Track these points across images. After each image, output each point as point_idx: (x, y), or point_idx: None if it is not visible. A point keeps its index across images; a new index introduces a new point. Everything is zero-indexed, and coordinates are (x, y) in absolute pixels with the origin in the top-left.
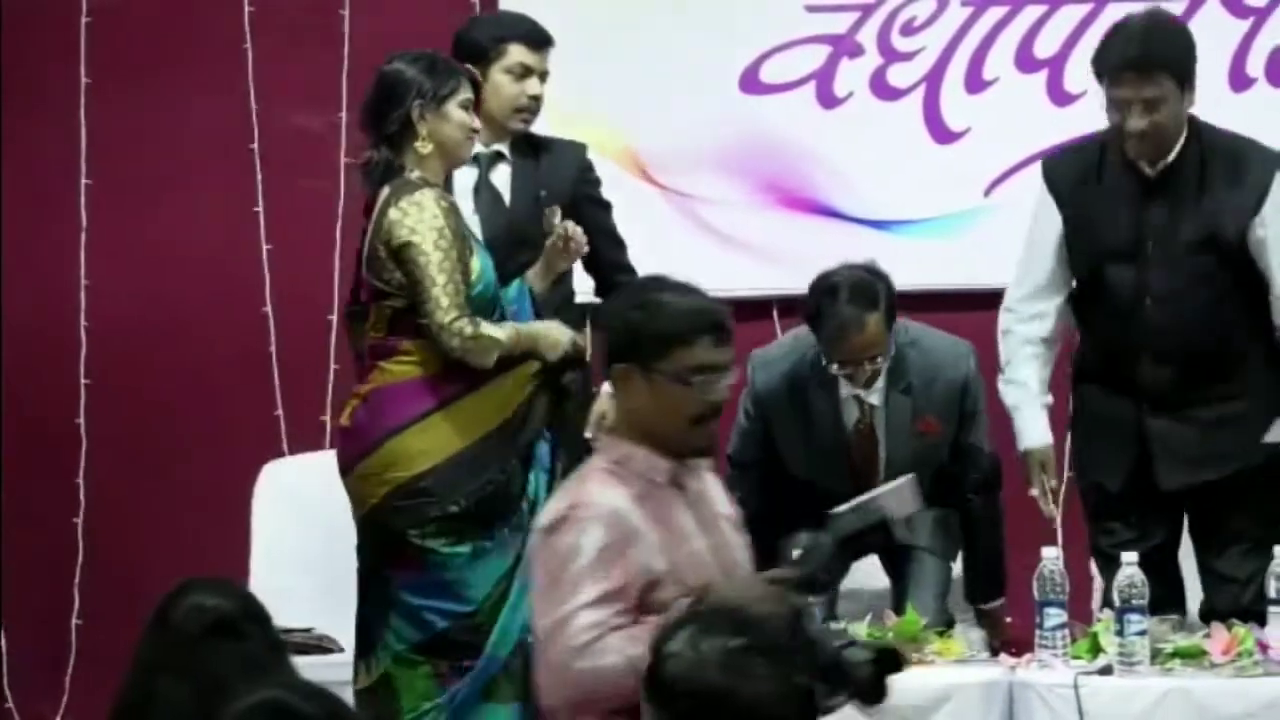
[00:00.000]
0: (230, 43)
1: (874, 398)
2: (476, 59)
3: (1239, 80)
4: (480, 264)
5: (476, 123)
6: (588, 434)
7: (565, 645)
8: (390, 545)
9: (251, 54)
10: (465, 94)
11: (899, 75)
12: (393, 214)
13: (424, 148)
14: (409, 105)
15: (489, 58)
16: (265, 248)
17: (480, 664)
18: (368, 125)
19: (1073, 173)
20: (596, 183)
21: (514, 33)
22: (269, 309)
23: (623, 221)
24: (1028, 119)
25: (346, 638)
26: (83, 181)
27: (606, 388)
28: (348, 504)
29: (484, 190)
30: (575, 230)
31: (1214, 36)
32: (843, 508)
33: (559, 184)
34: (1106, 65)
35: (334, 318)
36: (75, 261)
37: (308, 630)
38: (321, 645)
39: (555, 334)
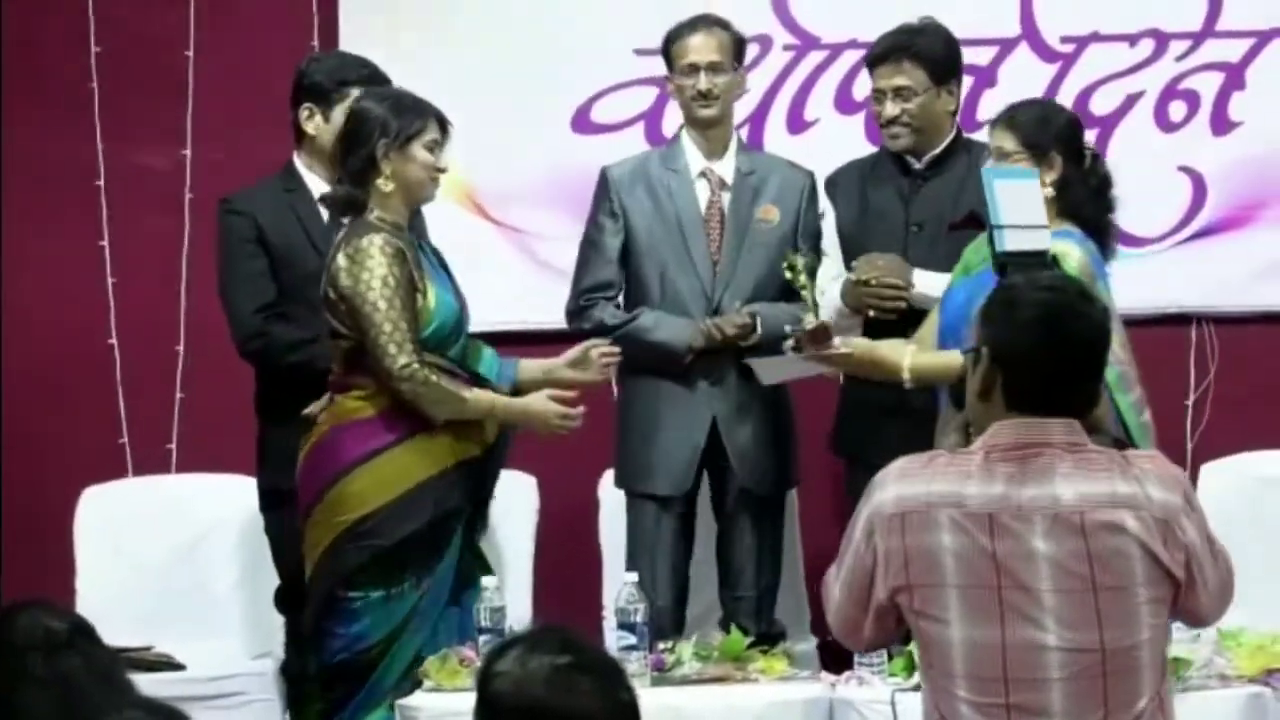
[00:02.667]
0: (77, 81)
1: (725, 171)
2: (319, 100)
3: None
4: (435, 302)
5: (444, 162)
6: None
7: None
8: (332, 590)
9: (98, 92)
10: (431, 134)
11: None
12: (340, 259)
13: (386, 186)
14: (374, 144)
15: (330, 99)
16: (110, 281)
17: (362, 693)
18: (337, 161)
19: (850, 174)
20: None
21: (353, 77)
22: (114, 340)
23: (458, 256)
24: (847, 158)
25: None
26: None
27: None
28: (177, 526)
29: (332, 231)
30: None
31: (1023, 80)
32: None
33: None
34: (869, 59)
35: (180, 348)
36: None
37: (148, 648)
38: (170, 663)
39: (541, 408)
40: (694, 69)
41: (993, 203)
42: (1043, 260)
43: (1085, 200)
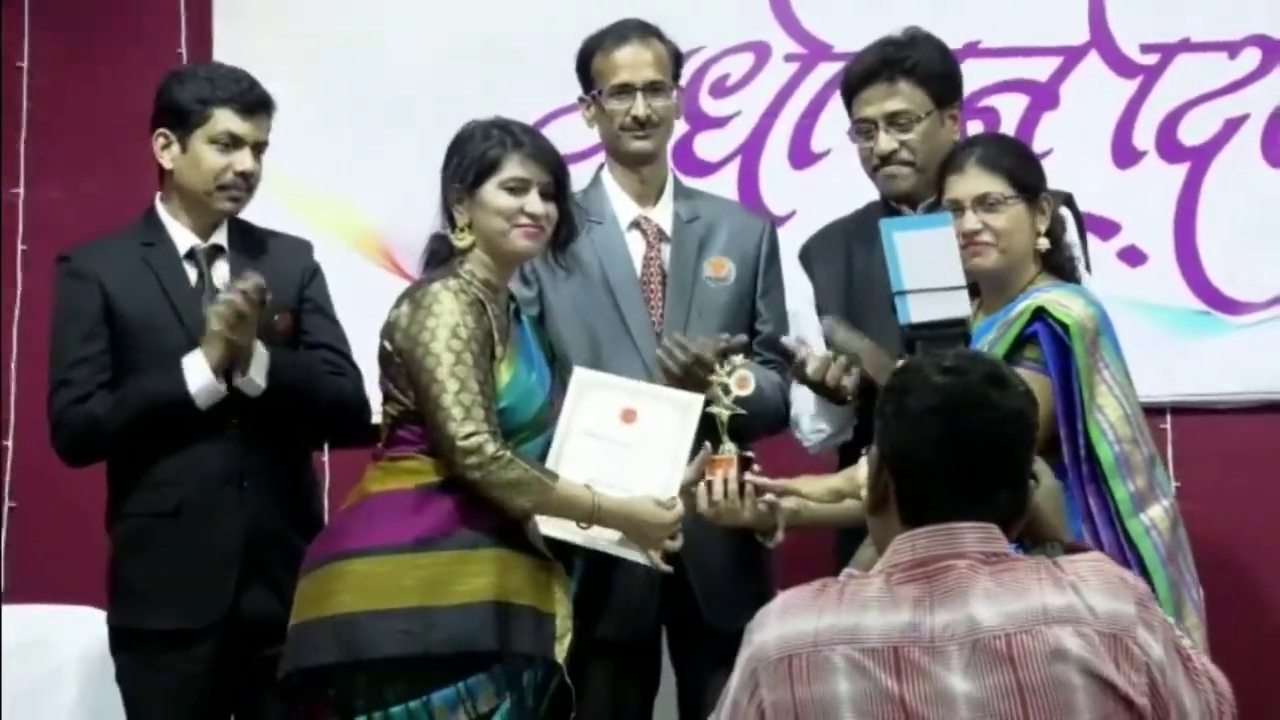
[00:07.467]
0: None
1: (662, 218)
2: (177, 125)
3: (1124, 153)
4: (512, 377)
5: (536, 205)
6: None
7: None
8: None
9: None
10: (510, 171)
11: (709, 146)
12: (402, 306)
13: (461, 240)
14: (445, 188)
15: (191, 123)
16: None
17: None
18: None
19: (830, 238)
20: (323, 289)
21: (221, 95)
22: None
23: (371, 318)
24: (866, 198)
25: None
26: None
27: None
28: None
29: (207, 290)
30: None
31: (1092, 100)
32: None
33: (284, 286)
34: (848, 84)
35: (9, 444)
36: None
37: None
38: None
39: (649, 512)
40: (626, 90)
41: (894, 262)
42: (961, 332)
43: (1074, 250)
